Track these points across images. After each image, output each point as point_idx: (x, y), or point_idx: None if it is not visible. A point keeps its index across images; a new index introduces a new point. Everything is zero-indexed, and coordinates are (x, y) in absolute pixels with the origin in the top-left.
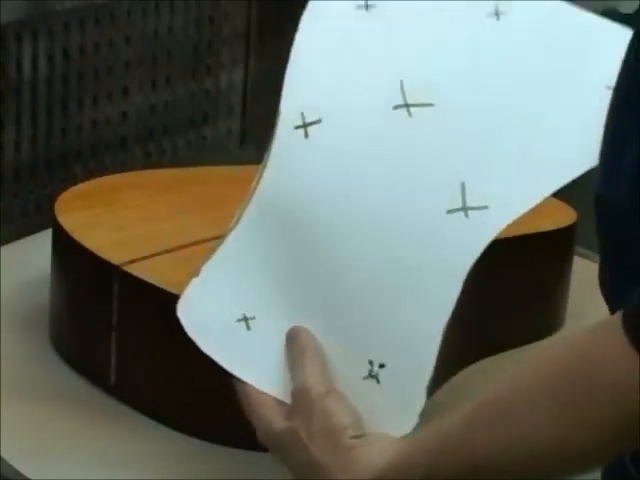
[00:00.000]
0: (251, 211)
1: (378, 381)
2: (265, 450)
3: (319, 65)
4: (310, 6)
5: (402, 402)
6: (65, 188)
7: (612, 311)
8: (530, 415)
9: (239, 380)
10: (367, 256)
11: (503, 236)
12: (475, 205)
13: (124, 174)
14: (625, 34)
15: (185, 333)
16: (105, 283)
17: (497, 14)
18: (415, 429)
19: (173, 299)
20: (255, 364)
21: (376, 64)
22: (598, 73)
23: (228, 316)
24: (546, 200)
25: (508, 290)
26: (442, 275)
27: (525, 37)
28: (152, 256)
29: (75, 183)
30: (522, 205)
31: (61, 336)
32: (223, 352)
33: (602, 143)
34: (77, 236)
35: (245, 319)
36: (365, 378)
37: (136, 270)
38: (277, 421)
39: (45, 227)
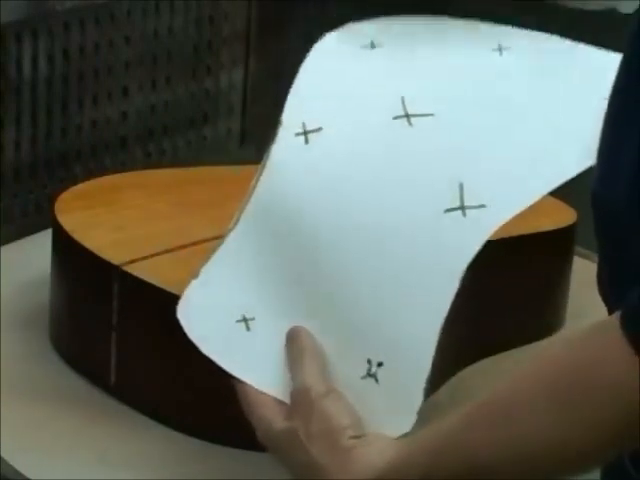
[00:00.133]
0: (249, 213)
1: (376, 380)
2: (265, 450)
3: (322, 84)
4: (317, 45)
5: (400, 401)
6: (65, 188)
7: (610, 310)
8: (530, 415)
9: (239, 380)
10: (365, 256)
11: (503, 236)
12: (473, 204)
13: (124, 174)
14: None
15: (185, 333)
16: (105, 283)
17: (500, 49)
18: (414, 429)
19: (173, 299)
20: (255, 364)
21: (378, 84)
22: (596, 89)
23: (228, 317)
24: (546, 200)
25: (508, 290)
26: (439, 274)
27: (525, 62)
28: (152, 256)
29: (75, 183)
30: (519, 203)
31: (61, 336)
32: (223, 353)
33: (600, 141)
34: (77, 236)
35: (245, 320)
36: (363, 377)
37: (136, 270)
38: (277, 421)
39: (45, 227)
